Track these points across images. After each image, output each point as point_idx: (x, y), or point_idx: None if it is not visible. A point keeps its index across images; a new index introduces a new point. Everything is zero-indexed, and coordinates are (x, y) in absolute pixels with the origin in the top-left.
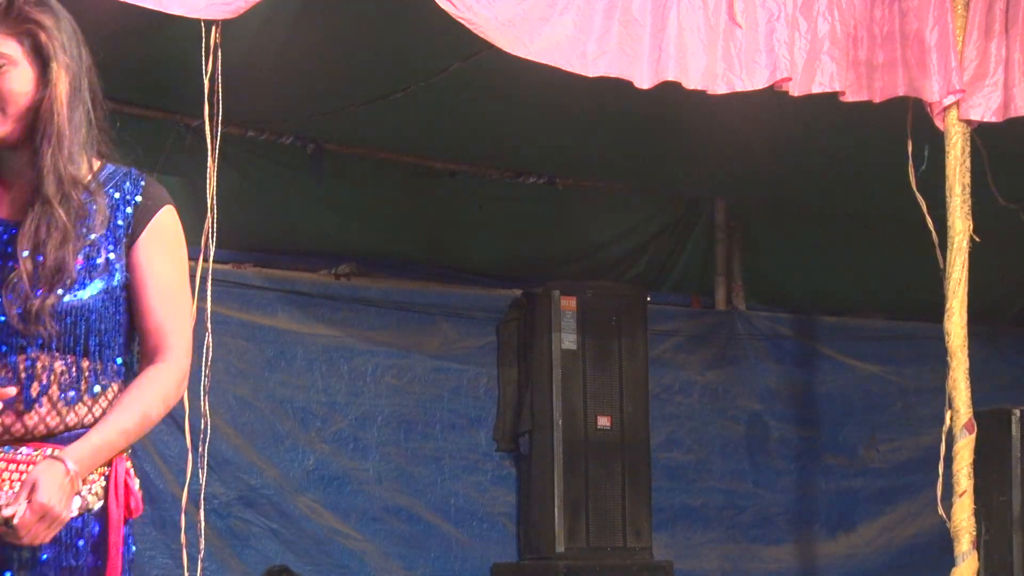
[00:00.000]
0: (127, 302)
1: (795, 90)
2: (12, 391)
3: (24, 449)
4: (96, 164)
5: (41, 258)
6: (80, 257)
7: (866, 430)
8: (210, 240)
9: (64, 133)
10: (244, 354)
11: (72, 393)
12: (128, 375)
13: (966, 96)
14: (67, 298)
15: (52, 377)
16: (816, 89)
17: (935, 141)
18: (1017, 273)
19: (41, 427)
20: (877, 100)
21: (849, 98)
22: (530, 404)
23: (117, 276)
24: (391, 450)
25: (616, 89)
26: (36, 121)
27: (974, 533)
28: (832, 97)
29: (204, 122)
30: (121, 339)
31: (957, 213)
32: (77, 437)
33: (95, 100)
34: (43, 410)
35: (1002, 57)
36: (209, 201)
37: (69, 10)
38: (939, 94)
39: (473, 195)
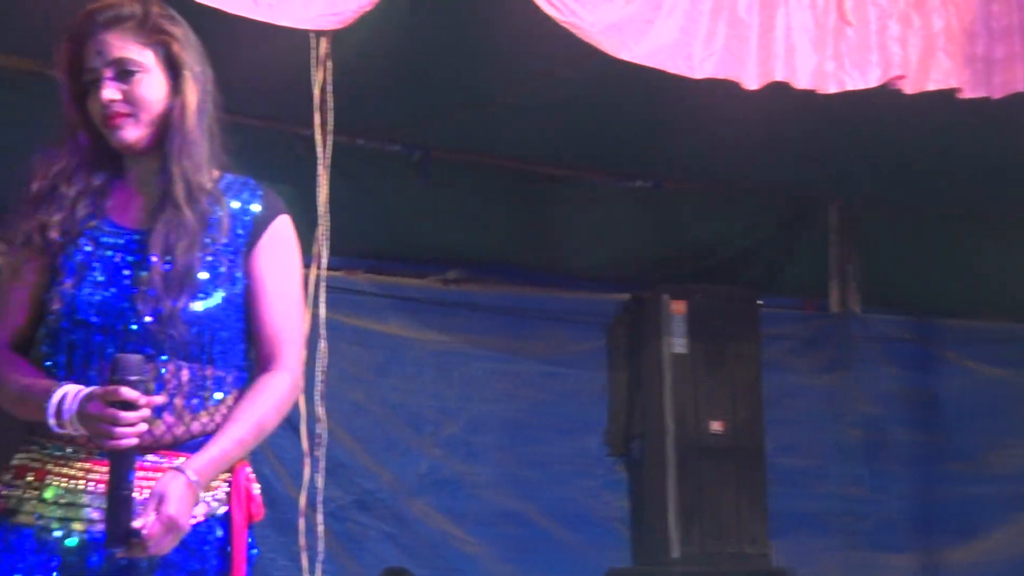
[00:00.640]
0: (245, 310)
1: (909, 88)
2: (159, 399)
3: (151, 457)
4: (215, 174)
5: (170, 263)
6: (204, 265)
7: (989, 435)
8: (322, 247)
9: (194, 141)
10: (357, 360)
11: (196, 401)
12: (247, 382)
13: None
14: (193, 306)
15: (179, 385)
16: (931, 86)
17: None
18: None
19: (168, 436)
20: (996, 96)
21: (966, 95)
22: (641, 408)
23: (238, 285)
24: (503, 454)
25: (723, 91)
26: (166, 129)
27: None
28: (947, 94)
29: (315, 131)
30: (242, 346)
31: None
32: (201, 445)
33: (216, 111)
34: (170, 419)
35: None
36: (321, 209)
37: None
38: None
39: (580, 199)
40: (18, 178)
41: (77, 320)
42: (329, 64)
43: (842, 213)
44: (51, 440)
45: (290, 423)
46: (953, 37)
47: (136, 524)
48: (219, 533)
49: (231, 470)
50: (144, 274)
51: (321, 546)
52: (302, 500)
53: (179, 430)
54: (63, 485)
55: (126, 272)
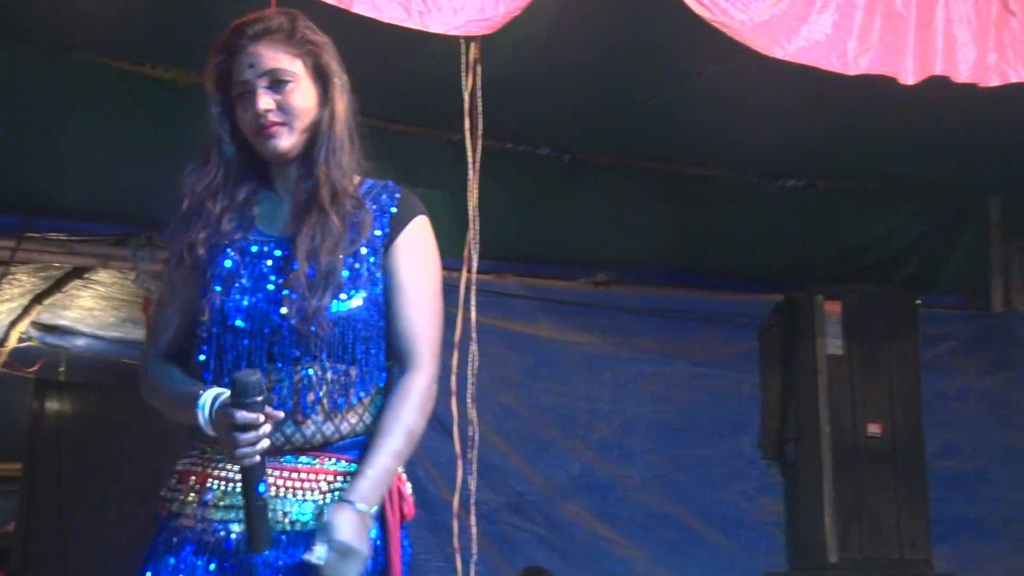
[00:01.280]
0: (385, 309)
1: None
2: (280, 414)
3: (303, 458)
4: (356, 179)
5: (314, 266)
6: (347, 266)
7: None
8: (472, 251)
9: (342, 147)
10: (507, 362)
11: (342, 400)
12: (389, 380)
13: None
14: (337, 307)
15: (325, 386)
16: None
17: None
18: None
19: (318, 437)
20: None
21: None
22: (795, 411)
23: (379, 285)
24: (655, 457)
25: (878, 87)
26: (315, 136)
27: None
28: None
29: (465, 136)
30: (383, 346)
31: None
32: (351, 445)
33: (356, 118)
34: (319, 419)
35: None
36: (471, 213)
37: (336, 31)
38: None
39: (731, 200)
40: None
41: (227, 326)
42: (478, 69)
43: (1004, 208)
44: (211, 445)
45: (442, 426)
46: None
47: (311, 559)
48: (374, 533)
49: None
50: (289, 277)
51: (475, 547)
52: (455, 502)
53: (328, 431)
54: (223, 488)
55: (272, 277)
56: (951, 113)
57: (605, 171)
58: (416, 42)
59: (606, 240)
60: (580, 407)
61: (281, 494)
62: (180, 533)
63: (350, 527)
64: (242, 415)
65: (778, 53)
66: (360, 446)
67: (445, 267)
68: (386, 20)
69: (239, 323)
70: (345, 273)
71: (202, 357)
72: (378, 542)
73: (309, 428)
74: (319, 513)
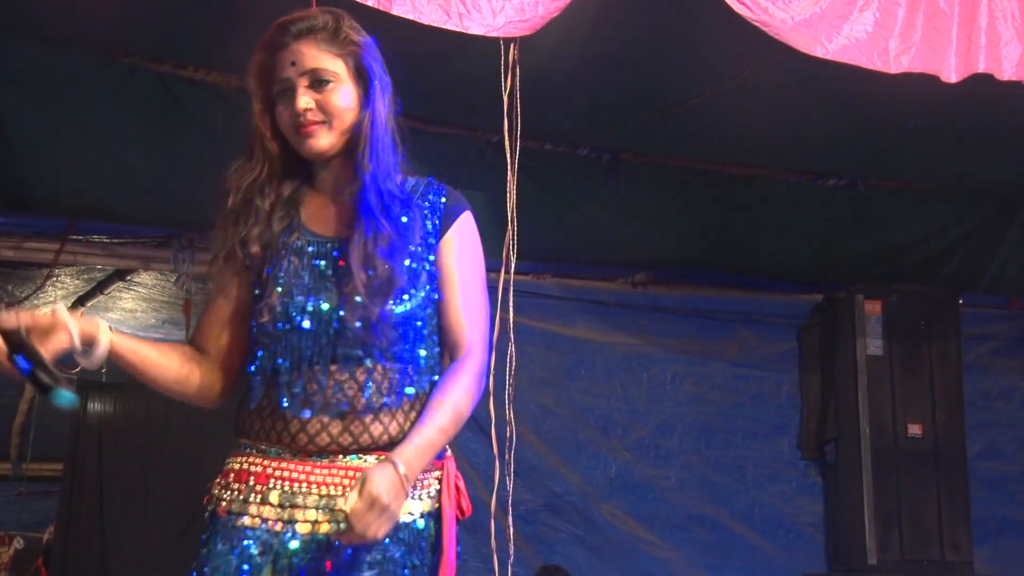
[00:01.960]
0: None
1: None
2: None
3: (369, 458)
4: (399, 178)
5: (372, 270)
6: (404, 268)
7: None
8: (511, 252)
9: (385, 149)
10: (545, 363)
11: (399, 399)
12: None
13: None
14: (398, 308)
15: (388, 387)
16: None
17: None
18: None
19: (384, 437)
20: None
21: None
22: (835, 412)
23: (433, 280)
24: (693, 458)
25: (919, 85)
26: (356, 137)
27: None
28: None
29: (504, 137)
30: (437, 339)
31: None
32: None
33: (397, 119)
34: (386, 419)
35: None
36: (509, 213)
37: (375, 32)
38: None
39: (770, 199)
40: (220, 192)
41: (290, 328)
42: (517, 70)
43: None
44: (269, 443)
45: (480, 426)
46: None
47: (340, 504)
48: (433, 529)
49: (441, 467)
50: (349, 281)
51: (511, 548)
52: (493, 502)
53: (394, 430)
54: (285, 488)
55: (332, 279)
56: (994, 111)
57: (644, 171)
58: (456, 43)
59: (645, 240)
60: (618, 408)
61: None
62: (241, 532)
63: (387, 483)
64: None
65: (819, 52)
66: None
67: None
68: (426, 22)
69: (305, 325)
70: (404, 278)
71: (264, 358)
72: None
73: (377, 428)
74: None
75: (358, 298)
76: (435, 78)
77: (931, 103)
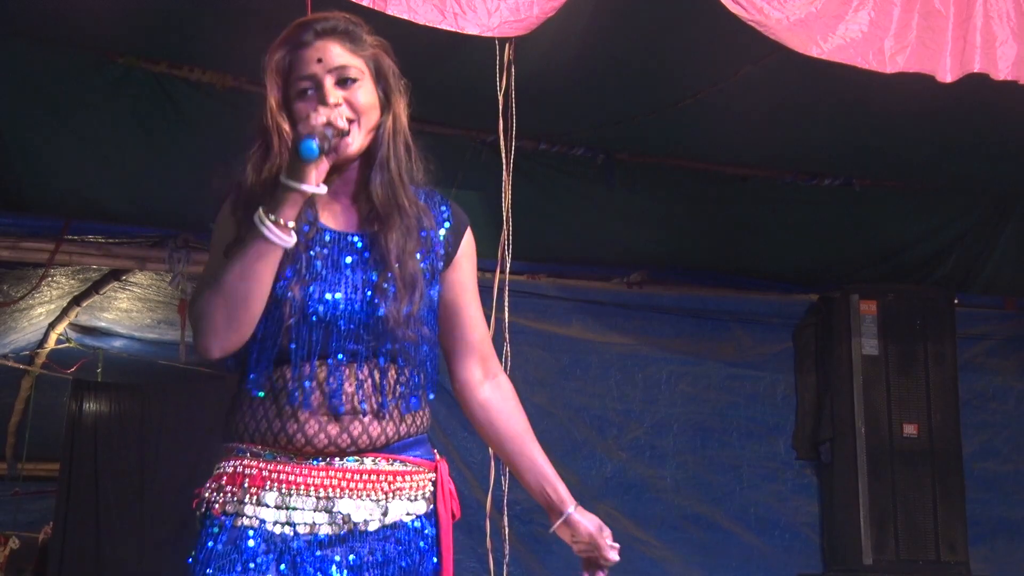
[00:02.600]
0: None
1: None
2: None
3: (368, 460)
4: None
5: (402, 268)
6: (419, 269)
7: None
8: (506, 251)
9: (408, 151)
10: (540, 363)
11: (413, 401)
12: (433, 387)
13: None
14: (411, 312)
15: (396, 388)
16: None
17: None
18: None
19: (382, 439)
20: None
21: None
22: (830, 411)
23: (435, 291)
24: (688, 458)
25: (914, 85)
26: (377, 138)
27: None
28: None
29: (499, 137)
30: (437, 341)
31: None
32: (408, 446)
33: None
34: (386, 422)
35: None
36: (505, 214)
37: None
38: None
39: (766, 199)
40: (227, 186)
41: (305, 320)
42: (513, 70)
43: None
44: (264, 447)
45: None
46: None
47: (613, 556)
48: (428, 530)
49: (435, 469)
50: (380, 278)
51: (507, 548)
52: (488, 503)
53: (391, 432)
54: (282, 490)
55: (349, 274)
56: (990, 111)
57: (640, 171)
58: (451, 43)
59: (640, 240)
60: (613, 408)
61: (344, 495)
62: (242, 532)
63: (589, 520)
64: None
65: (814, 52)
66: (416, 446)
67: (479, 268)
68: (421, 22)
69: (321, 317)
70: (421, 276)
71: (267, 344)
72: (431, 539)
73: (375, 430)
74: (384, 513)
75: (391, 295)
76: (430, 78)
77: (927, 103)
